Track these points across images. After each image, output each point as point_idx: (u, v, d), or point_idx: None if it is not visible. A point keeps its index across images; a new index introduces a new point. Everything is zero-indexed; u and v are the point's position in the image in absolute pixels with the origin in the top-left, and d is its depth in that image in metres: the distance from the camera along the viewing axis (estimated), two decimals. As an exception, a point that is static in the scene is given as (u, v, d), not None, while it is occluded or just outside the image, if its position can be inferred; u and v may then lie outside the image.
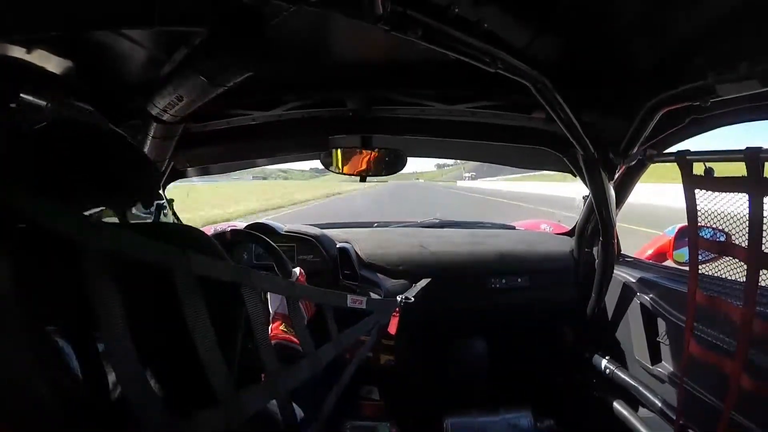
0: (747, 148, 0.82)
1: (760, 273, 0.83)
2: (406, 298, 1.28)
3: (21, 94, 0.89)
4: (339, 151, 1.43)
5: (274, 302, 1.03)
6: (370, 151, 1.41)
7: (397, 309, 1.20)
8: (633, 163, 1.21)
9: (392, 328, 1.24)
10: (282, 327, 0.96)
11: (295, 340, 0.85)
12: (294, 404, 0.69)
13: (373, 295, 1.51)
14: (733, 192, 0.87)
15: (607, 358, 1.54)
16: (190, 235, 0.58)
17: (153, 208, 1.53)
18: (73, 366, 0.46)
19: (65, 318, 0.47)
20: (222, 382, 0.45)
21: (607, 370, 1.52)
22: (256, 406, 0.50)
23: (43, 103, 0.93)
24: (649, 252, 1.74)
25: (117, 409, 0.46)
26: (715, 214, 0.94)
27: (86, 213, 0.51)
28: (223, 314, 0.49)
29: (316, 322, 0.73)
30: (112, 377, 0.46)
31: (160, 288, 0.44)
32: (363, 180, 1.47)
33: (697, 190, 0.96)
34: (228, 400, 0.45)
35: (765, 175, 0.80)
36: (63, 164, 0.50)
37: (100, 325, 0.38)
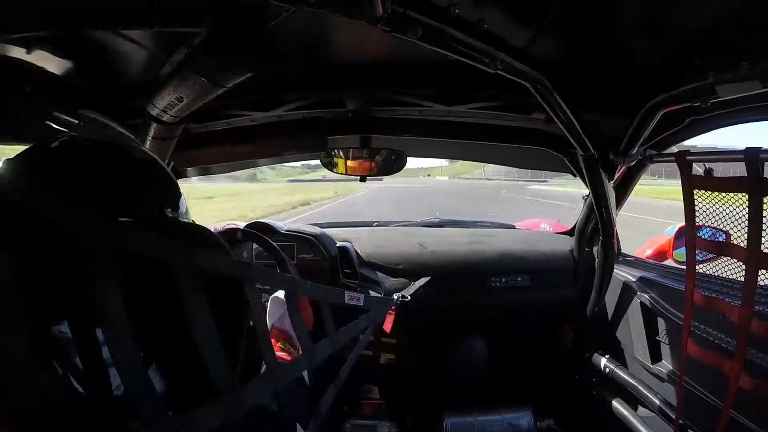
0: (747, 148, 0.83)
1: (759, 273, 0.83)
2: (402, 296, 1.28)
3: (54, 112, 0.90)
4: (339, 151, 1.43)
5: (273, 314, 0.96)
6: (369, 152, 1.41)
7: (394, 307, 1.20)
8: (633, 163, 1.21)
9: (388, 326, 1.25)
10: (279, 344, 0.90)
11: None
12: (292, 400, 0.70)
13: (374, 294, 1.51)
14: (733, 192, 0.88)
15: (606, 357, 1.54)
16: (193, 230, 0.59)
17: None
18: (75, 362, 0.46)
19: (68, 314, 0.47)
20: (222, 377, 0.45)
21: (607, 369, 1.52)
22: (256, 399, 0.50)
23: (75, 121, 0.95)
24: (649, 252, 1.74)
25: (119, 405, 0.46)
26: (714, 213, 0.94)
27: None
28: (227, 309, 0.50)
29: (312, 319, 0.73)
30: (114, 373, 0.47)
31: (161, 282, 0.44)
32: (363, 180, 1.48)
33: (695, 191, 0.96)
34: (228, 394, 0.45)
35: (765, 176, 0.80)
36: (84, 176, 0.51)
37: (101, 321, 0.38)
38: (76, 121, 0.98)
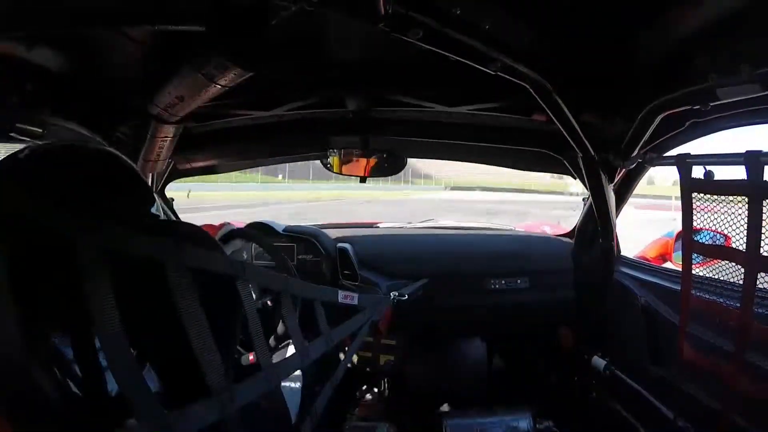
0: (747, 151, 0.83)
1: (758, 276, 0.83)
2: (400, 295, 1.28)
3: (17, 124, 0.89)
4: (339, 151, 1.43)
5: None
6: (369, 152, 1.42)
7: (391, 308, 1.20)
8: (633, 165, 1.21)
9: (384, 326, 1.24)
10: None
11: None
12: (288, 399, 0.69)
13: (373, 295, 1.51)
14: (732, 195, 0.87)
15: (606, 359, 1.54)
16: (185, 229, 0.59)
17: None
18: (71, 362, 0.46)
19: (63, 315, 0.47)
20: (216, 375, 0.45)
21: (607, 372, 1.51)
22: (250, 397, 0.50)
23: (39, 130, 0.93)
24: (649, 254, 1.74)
25: (115, 404, 0.46)
26: (712, 216, 0.94)
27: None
28: (219, 307, 0.50)
29: (308, 319, 0.72)
30: (109, 373, 0.47)
31: (154, 282, 0.44)
32: (363, 181, 1.48)
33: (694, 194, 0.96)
34: (221, 392, 0.45)
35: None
36: (68, 181, 0.51)
37: (95, 322, 0.38)
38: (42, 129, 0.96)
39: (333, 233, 1.76)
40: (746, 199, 0.84)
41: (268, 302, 1.25)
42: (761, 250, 0.82)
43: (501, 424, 1.49)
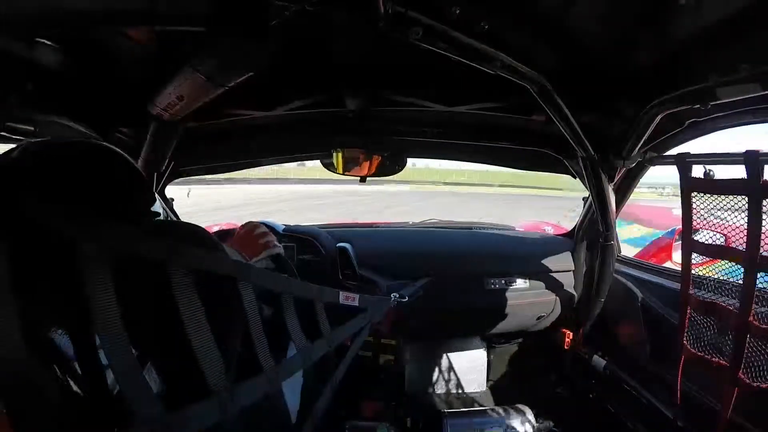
0: (747, 150, 0.83)
1: (757, 275, 0.83)
2: (400, 296, 1.27)
3: (7, 123, 0.89)
4: (339, 151, 1.43)
5: None
6: (370, 152, 1.42)
7: (391, 308, 1.20)
8: (633, 165, 1.22)
9: (386, 327, 1.24)
10: None
11: None
12: (289, 399, 0.69)
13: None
14: (732, 194, 0.87)
15: (606, 358, 1.54)
16: (187, 230, 0.59)
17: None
18: (72, 361, 0.46)
19: (64, 314, 0.47)
20: (216, 375, 0.45)
21: (607, 371, 1.52)
22: (250, 398, 0.50)
23: (31, 128, 0.93)
24: (649, 253, 1.74)
25: (115, 403, 0.46)
26: (712, 216, 0.94)
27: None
28: (220, 308, 0.49)
29: (309, 320, 0.72)
30: (110, 372, 0.47)
31: (155, 281, 0.44)
32: (363, 181, 1.48)
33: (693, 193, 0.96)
34: (222, 393, 0.45)
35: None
36: (59, 182, 0.51)
37: (96, 322, 0.38)
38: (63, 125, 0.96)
39: (333, 233, 1.76)
40: (746, 199, 0.84)
41: (269, 303, 1.25)
42: (761, 250, 0.82)
43: (501, 424, 1.50)
